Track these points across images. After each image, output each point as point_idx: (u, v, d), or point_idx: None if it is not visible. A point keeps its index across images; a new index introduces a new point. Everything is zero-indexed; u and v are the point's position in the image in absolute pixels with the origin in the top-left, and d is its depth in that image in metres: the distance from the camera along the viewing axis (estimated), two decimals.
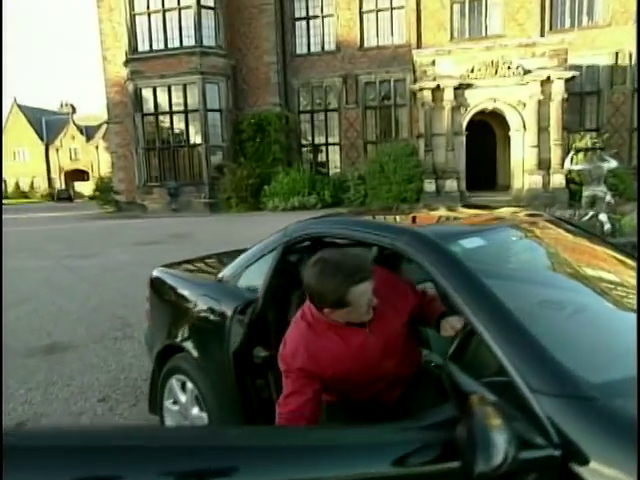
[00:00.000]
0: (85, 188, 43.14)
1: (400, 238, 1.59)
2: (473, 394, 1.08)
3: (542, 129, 15.65)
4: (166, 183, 20.79)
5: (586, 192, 8.65)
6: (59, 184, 52.22)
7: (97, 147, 49.06)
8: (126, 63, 20.36)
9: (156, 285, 2.72)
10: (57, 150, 52.92)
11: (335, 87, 20.85)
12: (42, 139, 52.60)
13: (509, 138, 16.87)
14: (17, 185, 53.39)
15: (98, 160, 47.68)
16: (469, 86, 16.16)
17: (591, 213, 8.27)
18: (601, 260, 2.00)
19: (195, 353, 2.22)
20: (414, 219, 2.08)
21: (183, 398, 2.34)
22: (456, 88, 16.09)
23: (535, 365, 1.16)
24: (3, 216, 23.63)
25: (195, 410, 2.24)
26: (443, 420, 1.09)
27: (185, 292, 2.42)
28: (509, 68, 15.62)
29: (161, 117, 20.87)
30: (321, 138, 21.69)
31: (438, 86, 16.16)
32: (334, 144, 21.38)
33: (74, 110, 56.79)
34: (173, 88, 20.25)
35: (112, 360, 4.02)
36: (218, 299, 2.18)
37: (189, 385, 2.26)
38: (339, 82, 20.64)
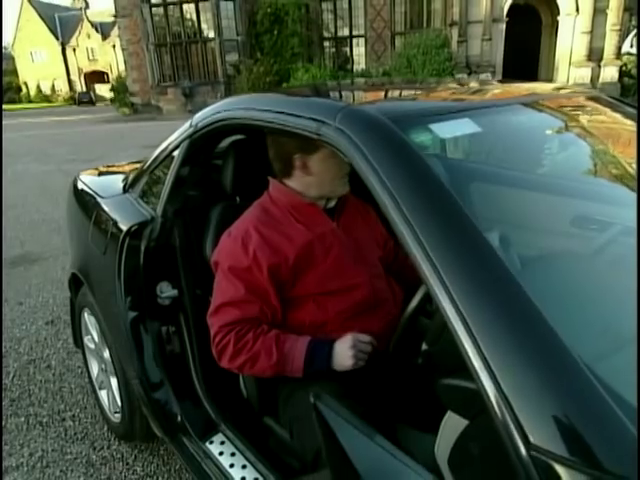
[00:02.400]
0: (106, 91, 41.96)
1: (329, 122, 0.92)
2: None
3: (598, 11, 13.50)
4: (180, 83, 19.68)
5: None
6: (80, 87, 50.90)
7: (114, 46, 46.76)
8: None
9: (74, 194, 2.14)
10: (74, 50, 50.78)
11: None
12: (57, 38, 50.29)
13: (557, 25, 14.75)
14: (39, 88, 52.37)
15: (116, 60, 45.67)
16: None
17: None
18: None
19: (92, 287, 1.70)
20: (374, 93, 1.37)
21: (96, 336, 1.87)
22: None
23: (540, 389, 0.56)
24: (22, 119, 23.21)
25: (107, 353, 1.78)
26: None
27: (89, 206, 1.84)
28: None
29: (170, 8, 19.17)
30: (345, 30, 19.67)
31: None
32: (358, 36, 19.40)
33: (87, 5, 53.54)
34: None
35: None
36: (112, 216, 1.59)
37: (97, 323, 1.78)
38: None
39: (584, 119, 1.36)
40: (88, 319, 1.90)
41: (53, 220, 5.28)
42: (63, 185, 7.46)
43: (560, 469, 0.52)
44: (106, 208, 1.66)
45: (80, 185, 2.07)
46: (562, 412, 0.54)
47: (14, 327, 2.89)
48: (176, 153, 1.44)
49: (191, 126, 1.38)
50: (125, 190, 1.70)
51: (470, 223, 0.73)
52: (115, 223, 1.56)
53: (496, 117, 1.02)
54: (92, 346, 1.96)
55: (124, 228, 1.47)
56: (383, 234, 1.48)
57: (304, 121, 0.98)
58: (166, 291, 1.48)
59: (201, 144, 1.39)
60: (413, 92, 1.45)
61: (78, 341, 2.13)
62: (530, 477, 0.56)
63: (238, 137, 1.51)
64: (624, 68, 13.00)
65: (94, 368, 2.01)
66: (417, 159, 0.81)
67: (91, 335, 1.93)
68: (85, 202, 1.91)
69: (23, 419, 2.08)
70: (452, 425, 0.75)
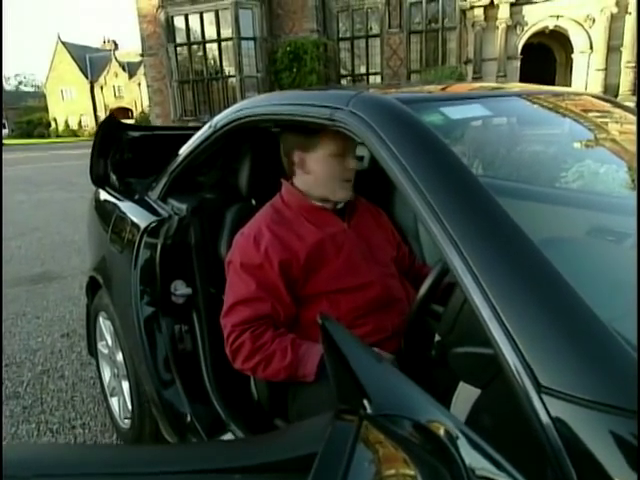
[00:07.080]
0: None
1: (342, 107, 0.95)
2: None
3: (612, 49, 13.70)
4: (201, 117, 20.24)
5: None
6: None
7: (139, 84, 48.75)
8: None
9: (95, 200, 2.19)
10: (102, 88, 53.05)
11: (377, 10, 19.07)
12: (87, 77, 52.68)
13: (571, 62, 14.97)
14: (67, 124, 54.52)
15: (141, 97, 47.56)
16: (528, 1, 14.23)
17: None
18: None
19: (108, 287, 1.72)
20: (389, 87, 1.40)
21: (110, 340, 1.88)
22: (512, 4, 14.22)
23: (548, 327, 0.55)
24: (50, 152, 24.07)
25: (120, 356, 1.78)
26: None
27: (108, 209, 1.88)
28: None
29: (194, 47, 20.04)
30: (362, 68, 20.22)
31: (492, 2, 14.33)
32: (375, 74, 19.88)
33: (116, 46, 56.25)
34: (205, 16, 19.22)
35: None
36: (130, 217, 1.63)
37: (112, 326, 1.80)
38: (382, 4, 18.82)
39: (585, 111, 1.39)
40: (103, 324, 1.92)
41: (73, 242, 5.39)
42: (84, 211, 7.63)
43: (569, 408, 0.51)
44: (125, 210, 1.71)
45: (100, 192, 2.13)
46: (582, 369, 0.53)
47: (30, 339, 2.92)
48: (195, 154, 1.48)
49: (211, 127, 1.43)
50: (145, 193, 1.75)
51: (485, 192, 0.73)
52: (133, 222, 1.60)
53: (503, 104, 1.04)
54: (105, 351, 1.97)
55: (142, 226, 1.50)
56: (396, 237, 1.49)
57: (318, 109, 1.01)
58: (180, 289, 1.49)
59: (220, 145, 1.44)
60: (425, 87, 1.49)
61: (92, 349, 2.14)
62: (550, 439, 0.54)
63: (254, 141, 1.56)
64: None
65: (106, 375, 2.01)
66: (429, 134, 0.82)
67: (105, 340, 1.94)
68: (105, 206, 1.96)
69: (34, 425, 2.07)
70: (464, 396, 0.73)
